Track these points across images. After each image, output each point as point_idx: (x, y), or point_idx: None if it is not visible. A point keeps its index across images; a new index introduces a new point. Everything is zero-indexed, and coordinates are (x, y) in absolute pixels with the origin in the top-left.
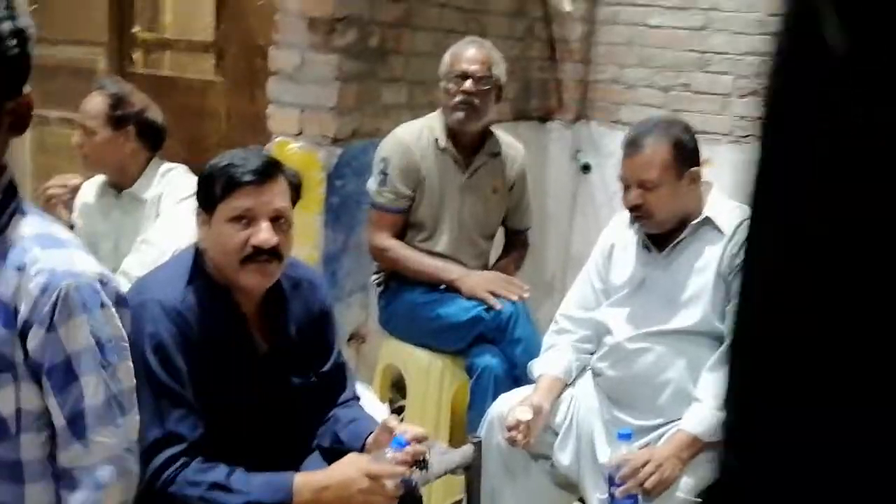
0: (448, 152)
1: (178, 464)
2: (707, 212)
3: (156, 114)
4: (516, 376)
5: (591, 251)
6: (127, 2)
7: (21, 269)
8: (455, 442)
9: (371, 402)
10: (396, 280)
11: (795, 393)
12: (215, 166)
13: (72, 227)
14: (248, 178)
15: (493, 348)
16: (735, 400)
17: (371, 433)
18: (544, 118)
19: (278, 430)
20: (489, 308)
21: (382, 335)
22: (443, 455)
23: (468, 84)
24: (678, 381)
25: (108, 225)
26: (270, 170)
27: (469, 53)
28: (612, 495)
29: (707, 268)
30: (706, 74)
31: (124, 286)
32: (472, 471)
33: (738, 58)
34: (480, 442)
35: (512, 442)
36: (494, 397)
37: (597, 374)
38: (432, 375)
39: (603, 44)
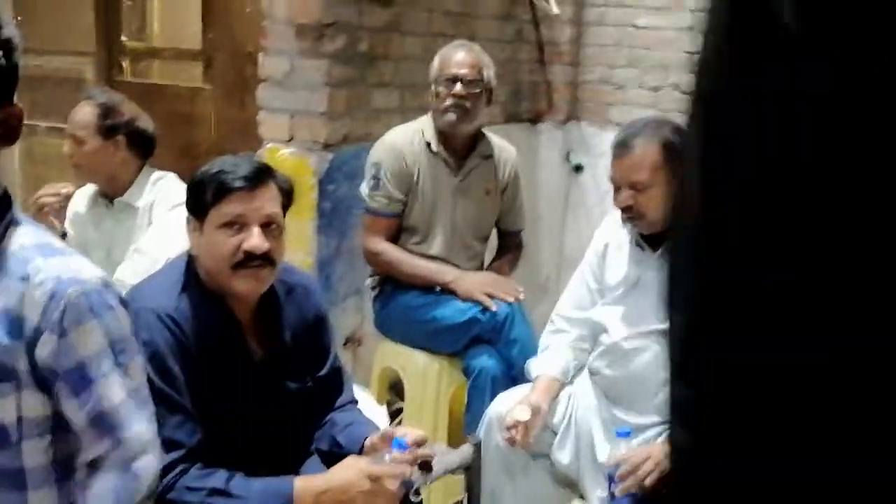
0: (440, 156)
1: (176, 470)
2: None
3: (146, 122)
4: (513, 377)
5: (584, 251)
6: (114, 11)
7: (25, 279)
8: (453, 443)
9: (368, 405)
10: (391, 283)
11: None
12: (205, 173)
13: (64, 236)
14: (238, 184)
15: (489, 349)
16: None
17: (369, 436)
18: (535, 120)
19: (276, 436)
20: (485, 309)
21: (378, 338)
22: (442, 456)
23: (458, 87)
24: None
25: (99, 234)
26: (261, 176)
27: (458, 57)
28: (612, 493)
29: None
30: None
31: None
32: (471, 471)
33: None
34: (479, 443)
35: (511, 442)
36: (492, 398)
37: (594, 374)
38: (429, 377)
39: (591, 45)
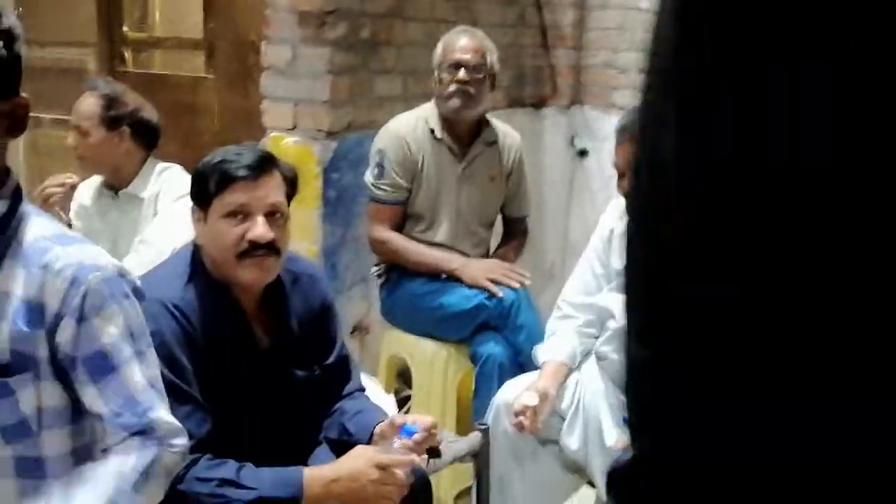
0: (444, 142)
1: (186, 461)
2: None
3: (150, 113)
4: (520, 363)
5: (589, 236)
6: (115, 1)
7: (45, 267)
8: (462, 430)
9: (376, 394)
10: (397, 271)
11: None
12: (209, 163)
13: (69, 227)
14: (242, 173)
15: (496, 336)
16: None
17: (378, 423)
18: (538, 105)
19: (285, 425)
20: (491, 296)
21: (385, 326)
22: (450, 443)
23: (462, 73)
24: None
25: (105, 225)
26: (265, 164)
27: (462, 43)
28: None
29: None
30: None
31: None
32: (479, 458)
33: None
34: (488, 429)
35: (519, 427)
36: (499, 384)
37: (601, 359)
38: (437, 365)
39: (595, 29)
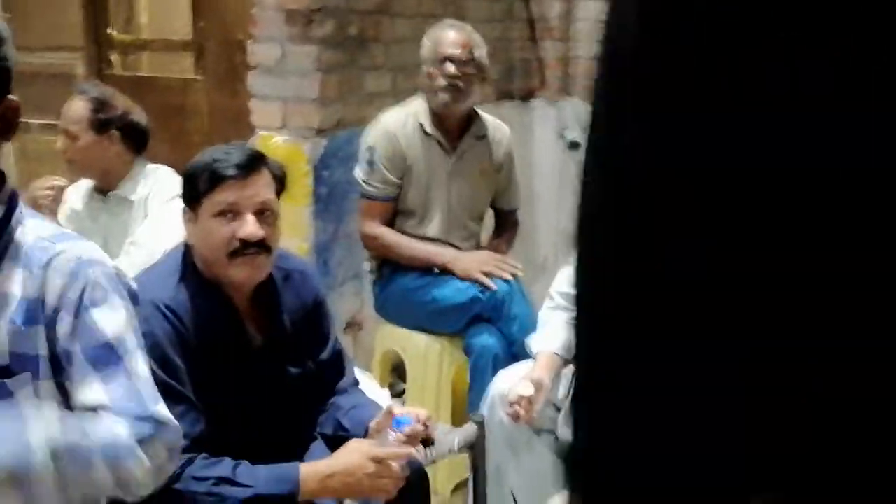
0: (434, 137)
1: (182, 460)
2: None
3: (139, 116)
4: (514, 354)
5: None
6: (101, 4)
7: (46, 265)
8: (457, 422)
9: (371, 389)
10: (389, 266)
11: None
12: (198, 162)
13: None
14: (231, 171)
15: (490, 327)
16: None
17: (373, 418)
18: (527, 97)
19: (280, 422)
20: (484, 288)
21: (378, 322)
22: (446, 436)
23: (451, 68)
24: None
25: (95, 228)
26: (254, 163)
27: (450, 37)
28: None
29: None
30: None
31: None
32: (475, 450)
33: None
34: (483, 421)
35: (515, 417)
36: (494, 376)
37: None
38: (431, 358)
39: (582, 20)
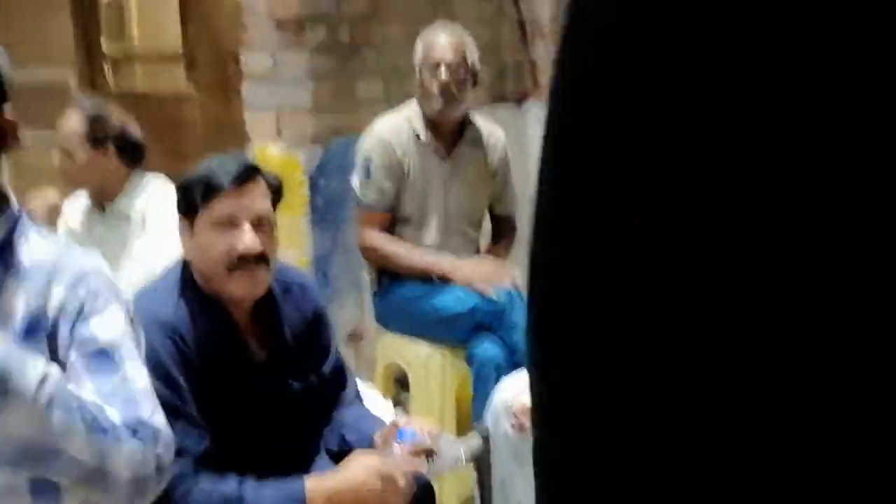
0: (429, 144)
1: (187, 478)
2: None
3: (134, 130)
4: (516, 362)
5: None
6: (92, 18)
7: (49, 277)
8: (462, 432)
9: (374, 401)
10: (388, 276)
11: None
12: (193, 174)
13: None
14: (226, 182)
15: (492, 336)
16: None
17: (377, 430)
18: (521, 100)
19: (284, 436)
20: (484, 297)
21: (379, 332)
22: (450, 446)
23: (444, 73)
24: None
25: (93, 242)
26: (249, 173)
27: (441, 41)
28: None
29: None
30: None
31: None
32: (481, 461)
33: None
34: (488, 434)
35: (519, 428)
36: (497, 385)
37: None
38: (433, 368)
39: None
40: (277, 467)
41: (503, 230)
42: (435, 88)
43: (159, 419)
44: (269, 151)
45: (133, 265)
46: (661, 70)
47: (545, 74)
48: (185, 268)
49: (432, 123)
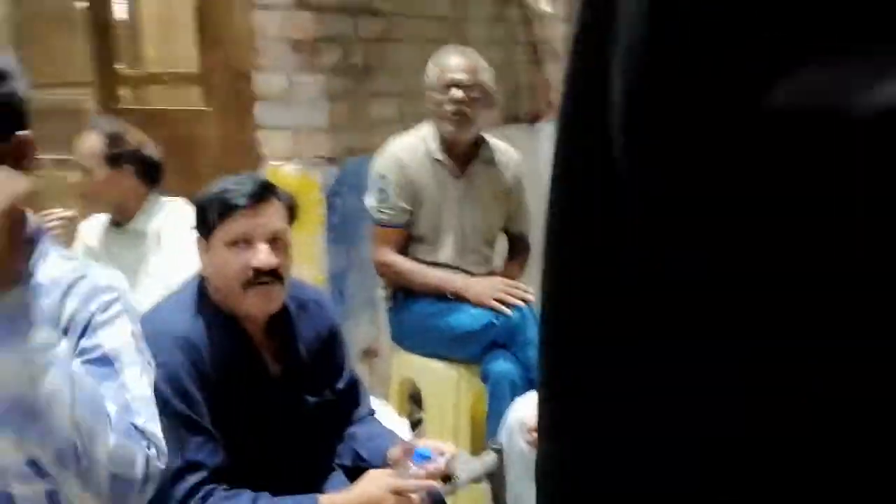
0: (443, 164)
1: (201, 492)
2: None
3: (152, 150)
4: (531, 379)
5: None
6: (108, 40)
7: (65, 293)
8: (477, 450)
9: (389, 418)
10: (403, 293)
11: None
12: (209, 193)
13: None
14: (242, 201)
15: (506, 353)
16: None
17: (391, 447)
18: (534, 120)
19: (298, 452)
20: (498, 314)
21: (394, 349)
22: (466, 464)
23: (457, 93)
24: None
25: (110, 258)
26: (264, 192)
27: (454, 62)
28: None
29: None
30: None
31: None
32: (495, 478)
33: None
34: (502, 449)
35: (534, 445)
36: (511, 402)
37: None
38: (447, 386)
39: None
40: (291, 482)
41: (517, 248)
42: (449, 109)
43: (153, 428)
44: (284, 171)
45: (150, 282)
46: (661, 70)
47: (557, 94)
48: (201, 284)
49: (447, 144)
